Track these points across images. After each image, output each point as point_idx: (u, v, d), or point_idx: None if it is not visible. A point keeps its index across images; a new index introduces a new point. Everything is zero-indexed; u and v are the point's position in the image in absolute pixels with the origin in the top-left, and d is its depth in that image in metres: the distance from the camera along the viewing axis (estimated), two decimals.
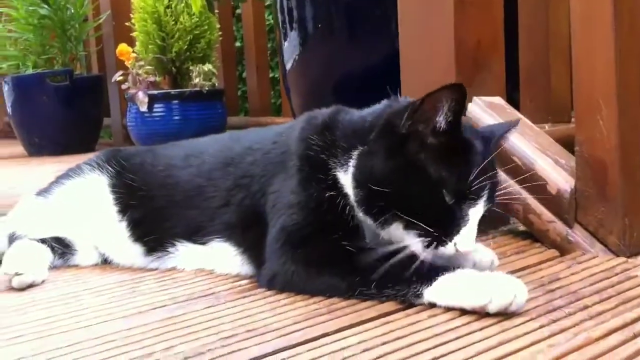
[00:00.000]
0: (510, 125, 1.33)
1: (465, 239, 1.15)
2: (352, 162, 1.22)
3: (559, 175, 1.45)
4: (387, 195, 1.16)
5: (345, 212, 1.23)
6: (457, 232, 1.15)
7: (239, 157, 1.42)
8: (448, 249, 1.15)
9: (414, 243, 1.16)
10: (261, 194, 1.34)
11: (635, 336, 0.97)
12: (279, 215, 1.28)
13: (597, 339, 0.96)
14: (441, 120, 1.13)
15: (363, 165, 1.21)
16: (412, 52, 1.65)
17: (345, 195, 1.23)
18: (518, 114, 1.61)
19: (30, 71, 4.16)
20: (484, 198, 1.16)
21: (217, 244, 1.41)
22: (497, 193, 1.21)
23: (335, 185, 1.24)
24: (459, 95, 1.11)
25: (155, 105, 3.32)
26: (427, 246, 1.15)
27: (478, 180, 1.13)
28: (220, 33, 3.60)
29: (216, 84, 3.51)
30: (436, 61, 1.54)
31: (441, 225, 1.15)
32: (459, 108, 1.13)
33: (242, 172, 1.39)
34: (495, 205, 1.21)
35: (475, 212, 1.15)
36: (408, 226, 1.16)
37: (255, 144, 1.42)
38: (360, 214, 1.22)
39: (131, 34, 3.47)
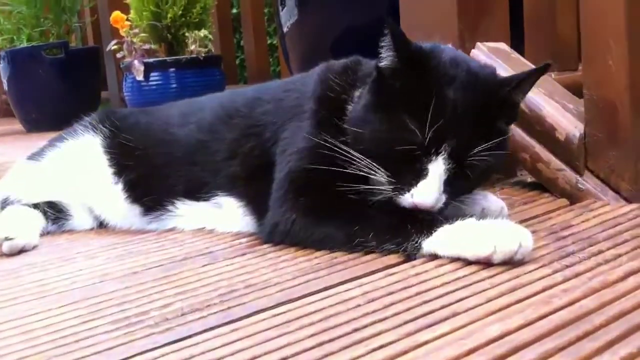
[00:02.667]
0: (526, 75, 1.17)
1: (421, 192, 1.09)
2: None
3: (567, 121, 1.39)
4: (360, 135, 1.14)
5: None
6: (415, 184, 1.09)
7: (245, 108, 1.38)
8: (405, 199, 1.10)
9: (383, 190, 1.13)
10: (273, 141, 1.30)
11: None
12: (287, 161, 1.24)
13: (614, 282, 0.91)
14: (390, 56, 1.11)
15: (354, 107, 1.19)
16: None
17: None
18: (523, 60, 1.55)
19: (24, 45, 4.09)
20: (443, 155, 1.08)
21: (220, 199, 1.37)
22: (476, 154, 1.09)
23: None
24: (390, 27, 1.10)
25: (152, 74, 3.25)
26: (390, 194, 1.12)
27: (432, 135, 1.06)
28: None
29: (212, 51, 3.43)
30: (437, 7, 1.47)
31: (402, 175, 1.11)
32: (395, 40, 1.10)
33: (252, 122, 1.35)
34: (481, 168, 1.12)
35: (435, 168, 1.08)
36: (375, 172, 1.12)
37: (264, 94, 1.39)
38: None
39: (125, 1, 3.39)
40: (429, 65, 1.12)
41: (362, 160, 1.12)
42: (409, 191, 1.10)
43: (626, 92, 1.29)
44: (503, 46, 1.56)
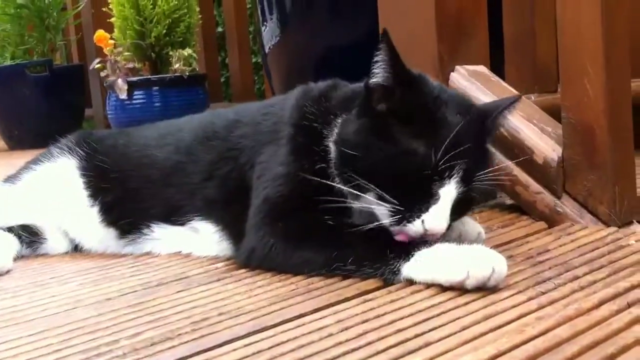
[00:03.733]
0: (511, 102, 1.20)
1: (434, 218, 1.06)
2: (336, 130, 1.18)
3: (545, 144, 1.39)
4: (357, 160, 1.10)
5: (334, 188, 1.16)
6: (426, 209, 1.06)
7: (224, 130, 1.37)
8: (416, 226, 1.07)
9: (383, 217, 1.09)
10: (249, 165, 1.28)
11: (629, 305, 0.91)
12: (264, 187, 1.22)
13: (589, 310, 0.90)
14: (384, 72, 1.09)
15: (341, 131, 1.16)
16: (392, 21, 1.58)
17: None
18: (503, 83, 1.56)
19: (8, 62, 4.07)
20: (456, 179, 1.06)
21: (196, 223, 1.35)
22: (480, 176, 1.09)
23: (327, 156, 1.18)
24: (386, 41, 1.08)
25: (135, 92, 3.24)
26: (396, 222, 1.08)
27: (446, 158, 1.05)
28: (200, 16, 3.51)
29: (197, 69, 3.43)
30: (416, 29, 1.48)
31: (409, 201, 1.07)
32: (390, 56, 1.08)
33: (229, 145, 1.33)
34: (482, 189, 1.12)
35: (447, 192, 1.07)
36: (378, 198, 1.08)
37: (243, 117, 1.37)
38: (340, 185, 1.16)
39: (109, 20, 3.38)
40: (423, 88, 1.12)
41: (362, 190, 1.09)
42: (418, 217, 1.07)
43: (604, 115, 1.30)
44: (482, 69, 1.56)
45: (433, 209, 1.06)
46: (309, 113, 1.22)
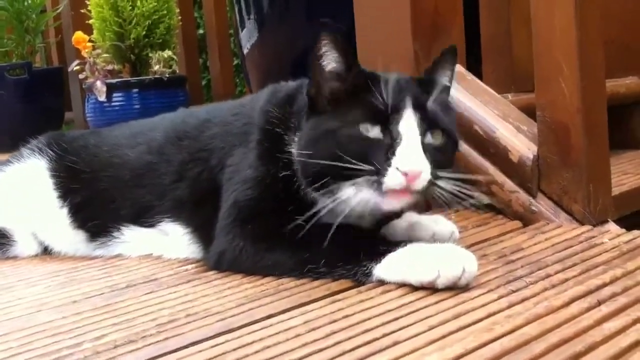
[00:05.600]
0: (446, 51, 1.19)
1: (405, 157, 1.02)
2: (295, 137, 1.16)
3: (521, 143, 1.38)
4: (316, 153, 1.07)
5: (300, 193, 1.15)
6: (393, 153, 1.03)
7: (195, 130, 1.34)
8: (393, 176, 1.02)
9: (363, 190, 1.05)
10: (220, 167, 1.26)
11: (599, 303, 0.90)
12: (233, 190, 1.21)
13: (559, 308, 0.89)
14: (330, 63, 1.09)
15: (300, 137, 1.15)
16: (367, 18, 1.57)
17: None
18: (479, 82, 1.55)
19: None
20: (409, 107, 1.06)
21: (166, 226, 1.33)
22: (437, 116, 1.09)
23: (291, 163, 1.16)
24: (332, 37, 1.09)
25: (114, 95, 3.20)
26: (376, 186, 1.04)
27: (392, 95, 1.06)
28: (180, 18, 3.49)
29: (177, 71, 3.40)
30: (392, 27, 1.46)
31: (377, 157, 1.04)
32: (341, 47, 1.09)
33: (200, 145, 1.31)
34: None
35: (407, 126, 1.05)
36: (351, 178, 1.05)
37: (214, 117, 1.35)
38: (311, 193, 1.14)
39: (88, 22, 3.35)
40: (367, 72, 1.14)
41: (330, 183, 1.07)
42: (390, 166, 1.02)
43: (578, 114, 1.29)
44: (459, 68, 1.54)
45: (400, 150, 1.03)
46: (273, 117, 1.21)
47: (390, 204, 1.07)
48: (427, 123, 1.07)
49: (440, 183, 1.06)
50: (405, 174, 1.02)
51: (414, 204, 1.13)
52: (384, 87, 1.07)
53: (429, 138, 1.08)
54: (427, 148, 1.06)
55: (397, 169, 1.02)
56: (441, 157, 1.08)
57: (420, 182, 1.03)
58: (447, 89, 1.17)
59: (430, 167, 1.04)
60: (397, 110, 1.06)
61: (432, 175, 1.04)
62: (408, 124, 1.06)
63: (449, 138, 1.11)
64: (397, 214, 1.23)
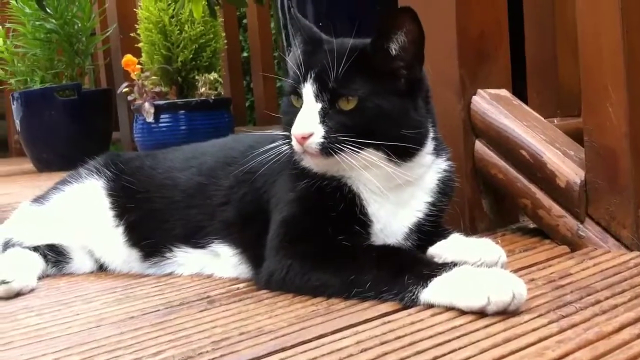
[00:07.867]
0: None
1: (295, 123, 1.16)
2: None
3: (568, 167, 1.38)
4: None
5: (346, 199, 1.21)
6: (295, 114, 1.18)
7: (241, 155, 1.39)
8: (293, 141, 1.17)
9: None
10: (264, 190, 1.31)
11: None
12: (280, 211, 1.25)
13: (610, 334, 0.90)
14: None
15: None
16: None
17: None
18: (525, 107, 1.56)
19: (38, 86, 4.15)
20: (310, 78, 1.17)
21: (216, 247, 1.37)
22: (345, 85, 1.16)
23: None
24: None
25: (162, 116, 3.29)
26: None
27: (304, 66, 1.18)
28: (225, 42, 3.57)
29: (222, 93, 3.47)
30: (438, 52, 1.48)
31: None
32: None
33: (245, 170, 1.35)
34: None
35: (306, 95, 1.17)
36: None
37: (257, 143, 1.39)
38: None
39: (137, 45, 3.45)
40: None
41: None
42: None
43: (626, 139, 1.29)
44: (504, 92, 1.56)
45: (298, 116, 1.17)
46: None
47: (306, 162, 1.21)
48: (332, 91, 1.16)
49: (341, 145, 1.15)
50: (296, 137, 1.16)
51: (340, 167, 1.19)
52: (299, 59, 1.20)
53: (338, 105, 1.16)
54: (330, 114, 1.16)
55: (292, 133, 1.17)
56: (353, 122, 1.16)
57: (310, 144, 1.15)
58: (370, 55, 1.19)
59: (324, 130, 1.15)
60: (305, 80, 1.18)
61: (328, 139, 1.14)
62: (307, 93, 1.18)
63: (365, 102, 1.16)
64: (443, 235, 1.25)
